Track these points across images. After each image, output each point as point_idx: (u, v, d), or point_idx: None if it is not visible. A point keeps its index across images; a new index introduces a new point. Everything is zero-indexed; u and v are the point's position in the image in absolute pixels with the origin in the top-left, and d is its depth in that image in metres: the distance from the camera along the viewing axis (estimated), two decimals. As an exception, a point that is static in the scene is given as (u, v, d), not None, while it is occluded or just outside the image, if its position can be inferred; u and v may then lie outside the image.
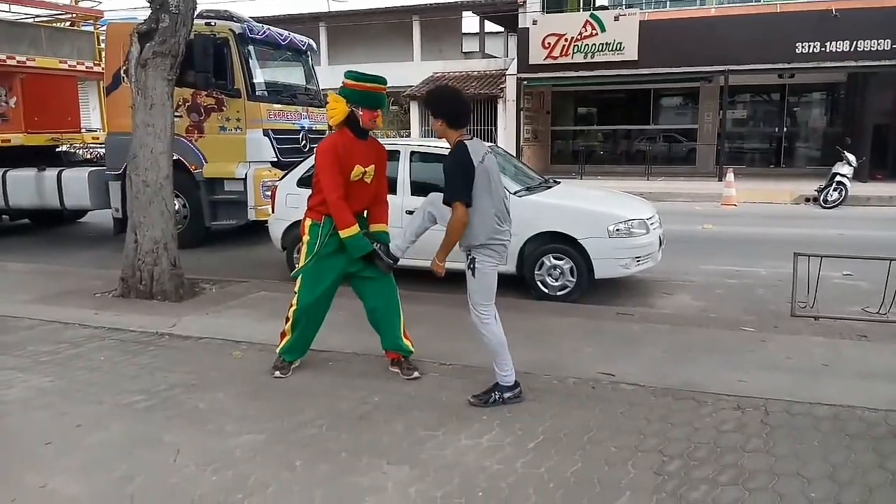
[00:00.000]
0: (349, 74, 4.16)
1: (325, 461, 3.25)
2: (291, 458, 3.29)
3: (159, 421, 3.75)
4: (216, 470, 3.18)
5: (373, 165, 4.20)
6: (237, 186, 9.09)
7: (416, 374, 4.32)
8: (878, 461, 3.15)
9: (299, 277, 4.31)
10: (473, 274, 3.79)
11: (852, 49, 16.52)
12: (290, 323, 4.37)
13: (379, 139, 4.62)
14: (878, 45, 16.30)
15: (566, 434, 3.48)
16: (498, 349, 3.85)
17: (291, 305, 4.35)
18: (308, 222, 4.27)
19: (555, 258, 6.35)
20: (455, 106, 3.82)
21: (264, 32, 9.45)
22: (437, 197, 3.92)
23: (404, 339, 4.42)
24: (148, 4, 6.32)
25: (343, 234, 4.07)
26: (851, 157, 13.60)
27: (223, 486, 3.04)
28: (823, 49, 16.76)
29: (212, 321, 5.63)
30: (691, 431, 3.49)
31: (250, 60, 9.14)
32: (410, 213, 6.53)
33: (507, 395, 3.86)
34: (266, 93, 9.31)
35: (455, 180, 3.68)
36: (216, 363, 4.66)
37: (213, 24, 8.97)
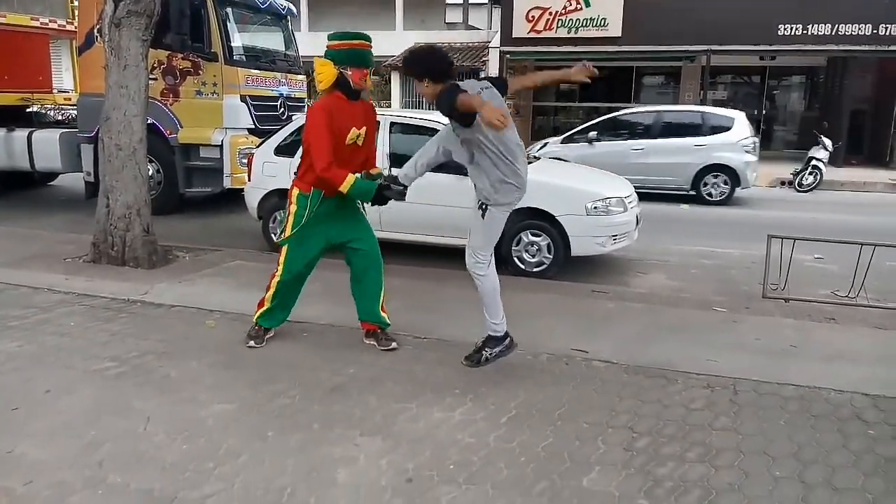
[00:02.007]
0: (332, 35, 4.05)
1: (297, 432, 3.25)
2: (263, 428, 3.28)
3: (130, 388, 3.71)
4: (187, 438, 3.16)
5: (365, 128, 4.11)
6: (213, 153, 8.95)
7: (393, 344, 4.34)
8: (841, 441, 3.23)
9: (285, 247, 4.24)
10: (483, 216, 3.77)
11: (833, 33, 16.58)
12: (271, 291, 4.32)
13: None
14: (859, 29, 16.38)
15: (538, 409, 3.50)
16: (491, 295, 3.83)
17: (274, 275, 4.28)
18: (296, 192, 4.14)
19: (532, 234, 6.35)
20: (435, 61, 3.67)
21: (243, -6, 9.23)
22: (448, 130, 3.84)
23: (382, 312, 4.40)
24: (123, -38, 6.13)
25: (343, 188, 3.88)
26: (828, 142, 13.75)
27: (194, 455, 3.02)
28: (805, 32, 16.80)
29: (185, 289, 5.57)
30: (661, 409, 3.54)
31: (228, 23, 8.95)
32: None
33: (497, 348, 3.87)
34: (244, 57, 9.13)
35: (452, 93, 3.44)
36: (189, 332, 4.62)
37: (190, -17, 8.74)
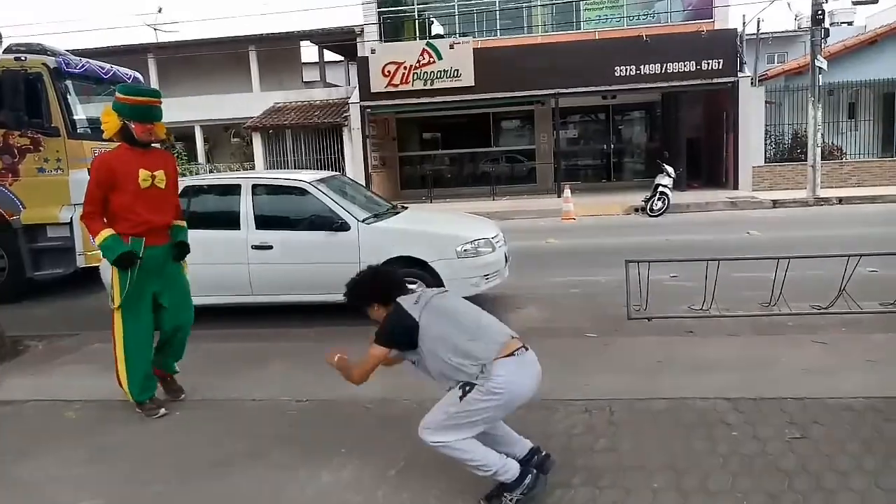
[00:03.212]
0: (120, 88, 4.29)
1: (175, 519, 3.05)
2: (138, 520, 3.05)
3: (-21, 500, 3.35)
4: (50, 546, 2.89)
5: (162, 171, 4.30)
6: (62, 232, 8.39)
7: (182, 395, 4.57)
8: (711, 447, 3.44)
9: (118, 312, 4.26)
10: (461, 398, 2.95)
11: (663, 71, 18.19)
12: (122, 363, 4.28)
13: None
14: (685, 66, 18.07)
15: (427, 458, 3.48)
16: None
17: (115, 344, 4.27)
18: None
19: (408, 282, 6.39)
20: (378, 285, 3.26)
21: (83, 66, 8.84)
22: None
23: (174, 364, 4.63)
24: (-57, 39, 5.75)
25: (97, 240, 4.16)
26: (670, 169, 14.92)
27: (59, 563, 2.76)
28: (639, 72, 18.31)
29: (39, 381, 5.13)
30: (545, 439, 3.61)
31: (69, 96, 8.51)
32: (257, 247, 6.38)
33: (519, 490, 3.01)
34: (89, 129, 8.69)
35: (391, 330, 3.13)
36: (46, 427, 4.24)
37: (23, 58, 8.27)
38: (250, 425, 4.07)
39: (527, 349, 3.09)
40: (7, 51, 8.18)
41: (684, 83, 18.23)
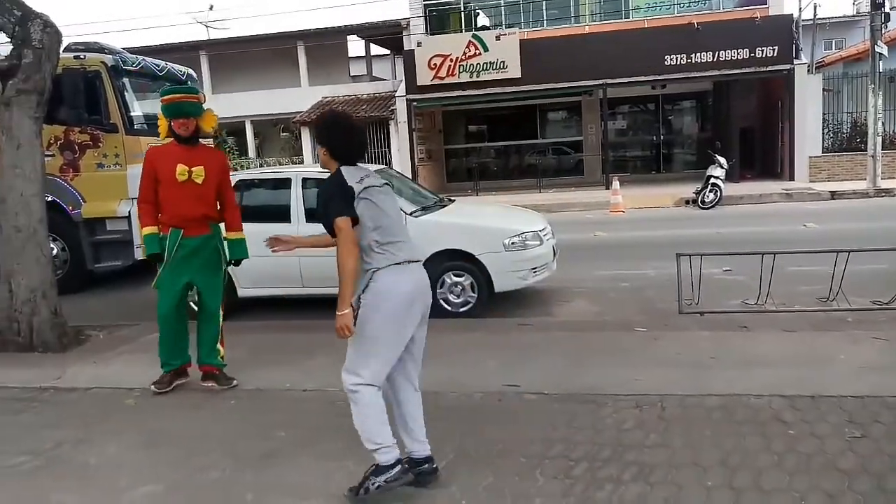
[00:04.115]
0: (161, 92, 4.62)
1: (230, 505, 3.13)
2: (194, 506, 3.14)
3: (47, 482, 3.49)
4: (112, 528, 2.99)
5: (201, 166, 4.51)
6: (120, 225, 8.66)
7: (234, 382, 4.72)
8: (764, 444, 3.36)
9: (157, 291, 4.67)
10: (355, 318, 3.00)
11: (715, 59, 17.75)
12: (159, 335, 4.72)
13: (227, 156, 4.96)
14: (738, 54, 17.60)
15: (475, 449, 3.50)
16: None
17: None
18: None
19: (455, 275, 6.42)
20: (348, 137, 3.23)
21: (139, 63, 9.09)
22: None
23: (218, 356, 4.78)
24: (9, 40, 5.96)
25: (142, 233, 4.62)
26: (722, 160, 14.57)
27: (121, 545, 2.86)
28: (690, 60, 17.91)
29: (100, 369, 5.32)
30: (594, 434, 3.60)
31: (126, 93, 8.77)
32: (306, 240, 6.46)
33: (382, 477, 3.02)
34: (145, 125, 8.94)
35: (332, 201, 3.06)
36: (107, 414, 4.40)
37: (83, 57, 8.55)
38: (299, 415, 4.14)
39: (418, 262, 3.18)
40: (67, 49, 8.43)
41: (737, 71, 17.77)
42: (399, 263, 3.04)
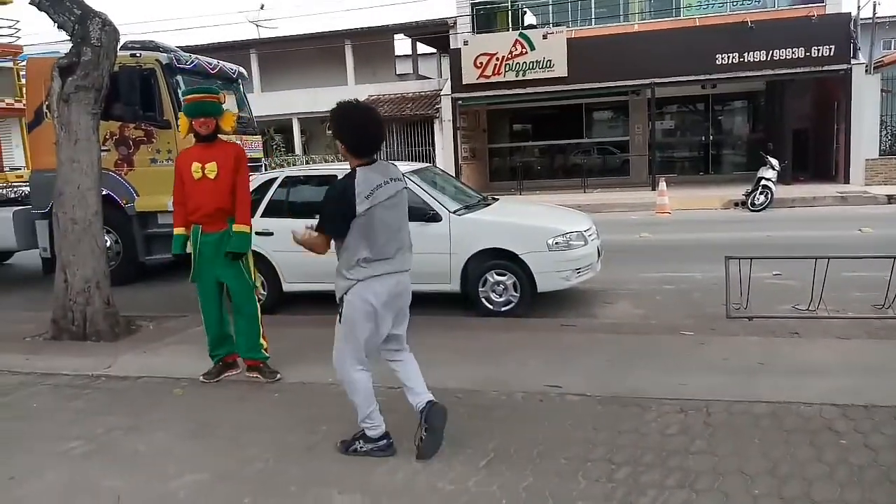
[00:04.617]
0: (184, 91, 4.67)
1: (273, 496, 3.18)
2: (239, 495, 3.20)
3: (98, 467, 3.60)
4: (160, 514, 3.07)
5: (213, 162, 4.63)
6: (171, 219, 8.84)
7: (278, 375, 4.79)
8: (815, 454, 3.27)
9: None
10: (340, 318, 3.43)
11: (769, 58, 17.31)
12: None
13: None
14: (793, 53, 17.13)
15: (516, 450, 3.49)
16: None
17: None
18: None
19: (498, 274, 6.39)
20: (360, 132, 3.28)
21: (192, 62, 9.30)
22: None
23: (261, 351, 4.86)
24: (69, 38, 6.16)
25: (174, 231, 4.84)
26: (774, 162, 14.21)
27: (168, 531, 2.93)
28: (742, 59, 17.51)
29: (150, 359, 5.46)
30: (638, 438, 3.55)
31: (179, 90, 8.96)
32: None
33: (369, 446, 3.51)
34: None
35: (329, 211, 3.29)
36: (156, 402, 4.52)
37: (138, 55, 8.79)
38: (342, 410, 4.15)
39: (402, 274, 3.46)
40: (123, 48, 8.67)
41: (792, 71, 17.31)
42: (378, 276, 3.33)
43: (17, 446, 3.91)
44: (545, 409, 4.01)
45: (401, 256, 3.44)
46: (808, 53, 17.05)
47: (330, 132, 3.47)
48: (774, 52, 17.25)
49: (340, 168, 7.21)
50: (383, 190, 3.27)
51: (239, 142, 9.79)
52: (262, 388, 4.65)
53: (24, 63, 11.60)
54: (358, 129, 3.30)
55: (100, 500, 3.23)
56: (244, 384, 4.76)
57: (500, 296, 6.41)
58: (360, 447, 3.51)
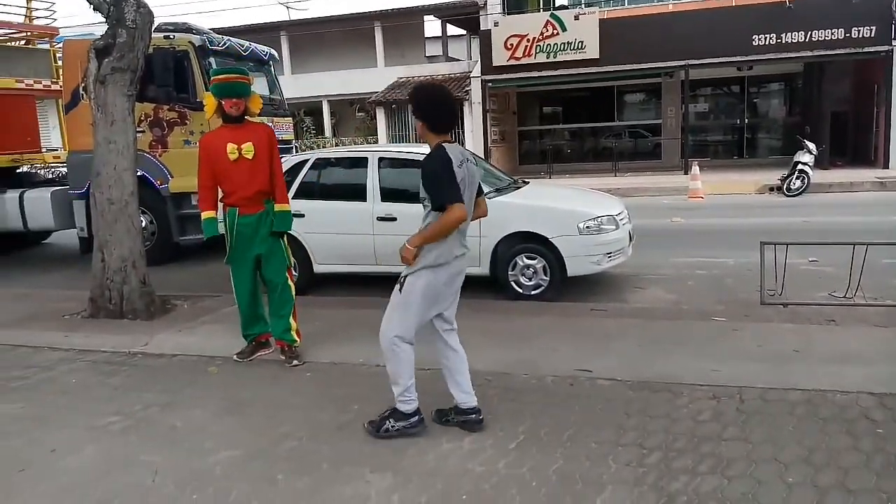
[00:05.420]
0: (212, 71, 4.70)
1: (306, 473, 3.23)
2: (272, 472, 3.26)
3: (135, 442, 3.69)
4: (196, 488, 3.14)
5: (250, 142, 4.63)
6: (204, 200, 8.98)
7: (294, 362, 4.77)
8: (851, 443, 3.22)
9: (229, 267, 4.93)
10: (400, 290, 3.46)
11: (807, 39, 16.87)
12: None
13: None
14: (832, 34, 16.67)
15: (546, 433, 3.49)
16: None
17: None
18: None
19: (527, 258, 6.38)
20: (438, 108, 3.47)
21: (225, 43, 9.36)
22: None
23: (291, 333, 4.86)
24: (104, 20, 6.23)
25: (203, 216, 4.81)
26: (812, 146, 13.89)
27: (204, 505, 3.00)
28: (779, 40, 17.09)
29: (185, 337, 5.56)
30: (669, 423, 3.53)
31: (212, 72, 9.03)
32: (382, 219, 6.56)
33: (402, 423, 3.54)
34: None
35: (441, 182, 3.31)
36: (191, 380, 4.61)
37: (172, 37, 8.86)
38: (372, 390, 4.20)
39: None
40: (157, 30, 8.75)
41: (830, 52, 16.85)
42: (444, 264, 3.42)
43: (58, 420, 4.02)
44: (575, 392, 4.01)
45: (465, 233, 3.55)
46: (847, 34, 16.57)
47: (413, 113, 3.51)
48: (813, 32, 16.80)
49: (371, 150, 7.23)
50: (466, 167, 3.44)
51: (270, 124, 9.88)
52: (293, 368, 4.71)
53: (60, 45, 11.75)
54: (440, 107, 3.47)
55: (137, 474, 3.31)
56: (276, 364, 4.82)
57: (530, 279, 6.40)
58: (392, 426, 3.53)
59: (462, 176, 3.36)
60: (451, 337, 3.63)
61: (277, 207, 4.78)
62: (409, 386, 3.51)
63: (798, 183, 13.75)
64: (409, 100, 3.61)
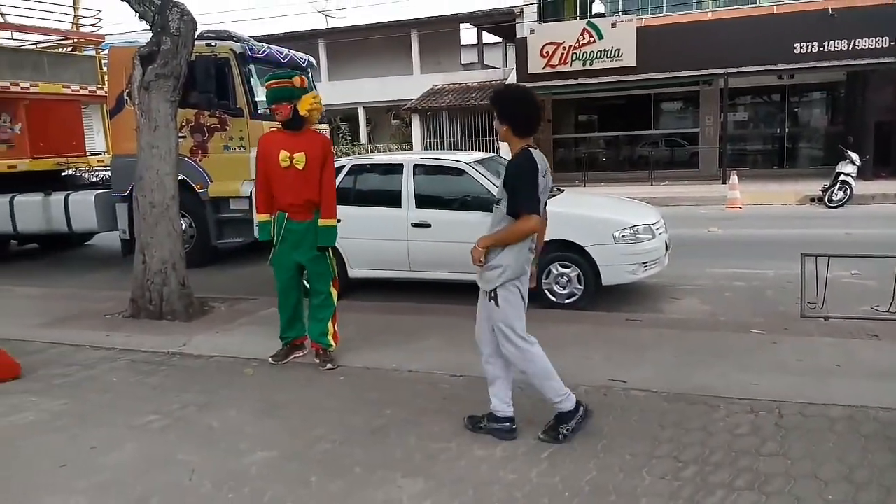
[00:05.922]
0: (266, 78, 4.82)
1: (339, 476, 3.26)
2: (306, 474, 3.29)
3: (174, 441, 3.76)
4: (232, 488, 3.19)
5: (302, 152, 4.62)
6: (243, 204, 9.13)
7: (328, 365, 4.79)
8: (894, 461, 3.14)
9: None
10: (497, 303, 3.45)
11: (851, 48, 16.53)
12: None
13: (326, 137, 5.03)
14: (877, 42, 16.31)
15: (580, 443, 3.47)
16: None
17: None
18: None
19: (562, 266, 6.34)
20: (524, 110, 3.45)
21: (264, 51, 9.52)
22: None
23: (328, 337, 4.88)
24: (149, 28, 6.39)
25: (257, 218, 4.96)
26: (855, 156, 13.58)
27: (239, 505, 3.04)
28: (822, 49, 16.77)
29: (222, 339, 5.65)
30: (705, 436, 3.48)
31: (251, 79, 9.20)
32: (416, 225, 6.59)
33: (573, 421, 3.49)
34: (268, 111, 9.35)
35: (523, 189, 3.32)
36: (228, 381, 4.68)
37: (213, 44, 9.05)
38: (406, 395, 4.24)
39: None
40: (199, 37, 8.94)
41: (875, 61, 16.46)
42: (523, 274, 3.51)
43: (99, 418, 4.12)
44: (609, 403, 3.97)
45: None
46: (892, 42, 16.19)
47: (497, 116, 3.50)
48: (857, 41, 16.45)
49: (406, 157, 7.28)
50: (547, 177, 3.46)
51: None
52: (327, 371, 4.76)
53: (105, 52, 12.08)
54: (527, 109, 3.46)
55: (175, 472, 3.37)
56: (311, 367, 4.87)
57: (564, 288, 6.36)
58: (567, 429, 3.48)
59: (543, 186, 3.38)
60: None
61: (322, 222, 4.75)
62: (559, 384, 3.49)
63: (840, 194, 13.45)
64: (491, 102, 3.55)
